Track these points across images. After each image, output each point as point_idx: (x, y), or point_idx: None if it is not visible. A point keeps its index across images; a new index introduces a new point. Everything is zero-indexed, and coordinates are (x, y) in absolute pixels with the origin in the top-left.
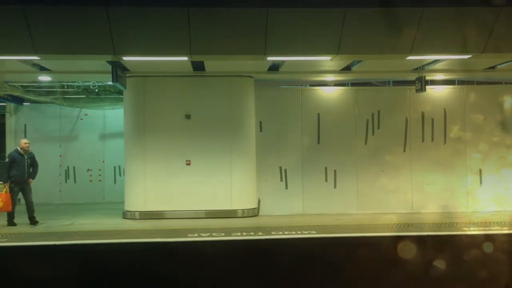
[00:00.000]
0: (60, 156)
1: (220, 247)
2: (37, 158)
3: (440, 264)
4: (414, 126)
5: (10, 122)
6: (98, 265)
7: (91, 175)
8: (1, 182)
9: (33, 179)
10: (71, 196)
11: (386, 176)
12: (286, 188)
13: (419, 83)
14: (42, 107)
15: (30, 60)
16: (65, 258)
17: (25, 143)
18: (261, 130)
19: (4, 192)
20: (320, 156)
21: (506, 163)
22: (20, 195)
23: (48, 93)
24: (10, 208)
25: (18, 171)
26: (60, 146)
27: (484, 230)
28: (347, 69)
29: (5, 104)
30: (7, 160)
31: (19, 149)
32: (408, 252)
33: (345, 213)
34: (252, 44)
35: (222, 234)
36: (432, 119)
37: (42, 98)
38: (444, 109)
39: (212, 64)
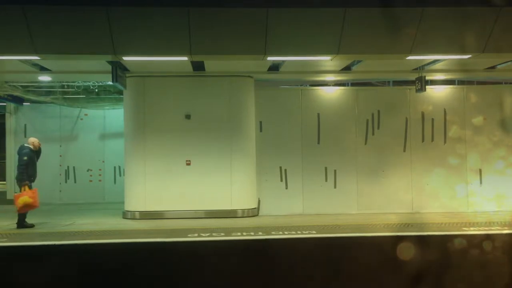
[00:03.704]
0: (60, 156)
1: (220, 247)
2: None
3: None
4: (414, 126)
5: (10, 122)
6: (98, 265)
7: (91, 175)
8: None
9: None
10: (71, 196)
11: (386, 176)
12: (286, 188)
13: (419, 83)
14: (42, 107)
15: (30, 60)
16: (65, 258)
17: (38, 142)
18: (261, 130)
19: (22, 190)
20: (320, 156)
21: (506, 163)
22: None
23: (48, 93)
24: (38, 204)
25: (34, 170)
26: (60, 146)
27: (484, 230)
28: (347, 69)
29: (5, 104)
30: (25, 158)
31: (31, 146)
32: (408, 252)
33: (345, 213)
34: (252, 44)
35: (222, 234)
36: (432, 119)
37: (42, 98)
38: (444, 109)
39: (212, 64)
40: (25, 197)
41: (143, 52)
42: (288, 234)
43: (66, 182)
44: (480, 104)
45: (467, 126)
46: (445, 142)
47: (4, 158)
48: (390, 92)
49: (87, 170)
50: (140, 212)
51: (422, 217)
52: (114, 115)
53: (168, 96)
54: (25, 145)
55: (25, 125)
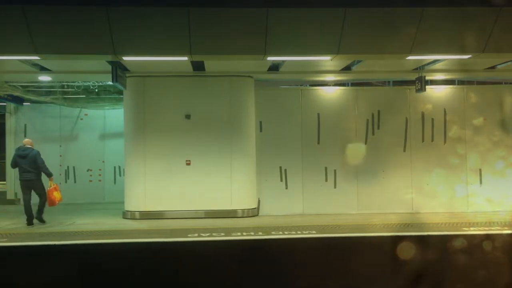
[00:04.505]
0: (60, 156)
1: (220, 247)
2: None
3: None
4: (414, 126)
5: (10, 122)
6: (98, 265)
7: (91, 175)
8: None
9: None
10: (71, 196)
11: (386, 176)
12: (286, 188)
13: (419, 83)
14: (42, 107)
15: (30, 60)
16: (65, 258)
17: None
18: (261, 130)
19: (52, 186)
20: (320, 156)
21: (506, 163)
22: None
23: (48, 93)
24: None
25: None
26: (60, 146)
27: (484, 230)
28: (347, 69)
29: (5, 104)
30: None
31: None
32: (408, 252)
33: (345, 213)
34: (252, 44)
35: (222, 234)
36: (432, 119)
37: (42, 98)
38: (444, 109)
39: (212, 64)
40: (58, 192)
41: (143, 52)
42: (288, 234)
43: (66, 182)
44: (480, 104)
45: (467, 126)
46: (445, 142)
47: (4, 158)
48: (390, 92)
49: (87, 170)
50: (140, 212)
51: (422, 217)
52: (114, 115)
53: (168, 96)
54: (28, 146)
55: (25, 125)
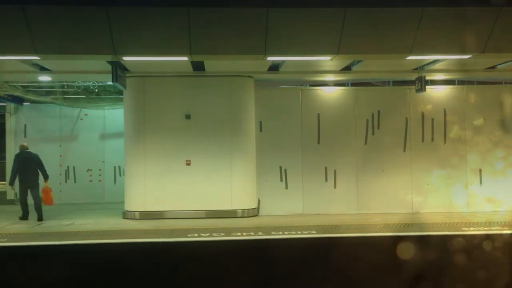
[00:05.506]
0: (60, 156)
1: (220, 247)
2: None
3: None
4: (414, 126)
5: (10, 122)
6: (98, 265)
7: (91, 175)
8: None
9: None
10: (71, 196)
11: (386, 176)
12: (286, 188)
13: (419, 83)
14: (42, 107)
15: (30, 60)
16: (65, 258)
17: None
18: (261, 130)
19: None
20: (320, 156)
21: (506, 163)
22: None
23: (48, 93)
24: None
25: None
26: (60, 146)
27: (484, 230)
28: (347, 69)
29: (5, 104)
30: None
31: None
32: (408, 252)
33: (345, 213)
34: (252, 44)
35: (222, 234)
36: (432, 119)
37: (42, 98)
38: (444, 109)
39: (212, 64)
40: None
41: (143, 52)
42: (288, 234)
43: (66, 182)
44: (480, 104)
45: (467, 126)
46: (445, 142)
47: (4, 158)
48: (390, 92)
49: (87, 170)
50: (140, 212)
51: (422, 217)
52: (114, 115)
53: (168, 96)
54: (29, 150)
55: (25, 125)
